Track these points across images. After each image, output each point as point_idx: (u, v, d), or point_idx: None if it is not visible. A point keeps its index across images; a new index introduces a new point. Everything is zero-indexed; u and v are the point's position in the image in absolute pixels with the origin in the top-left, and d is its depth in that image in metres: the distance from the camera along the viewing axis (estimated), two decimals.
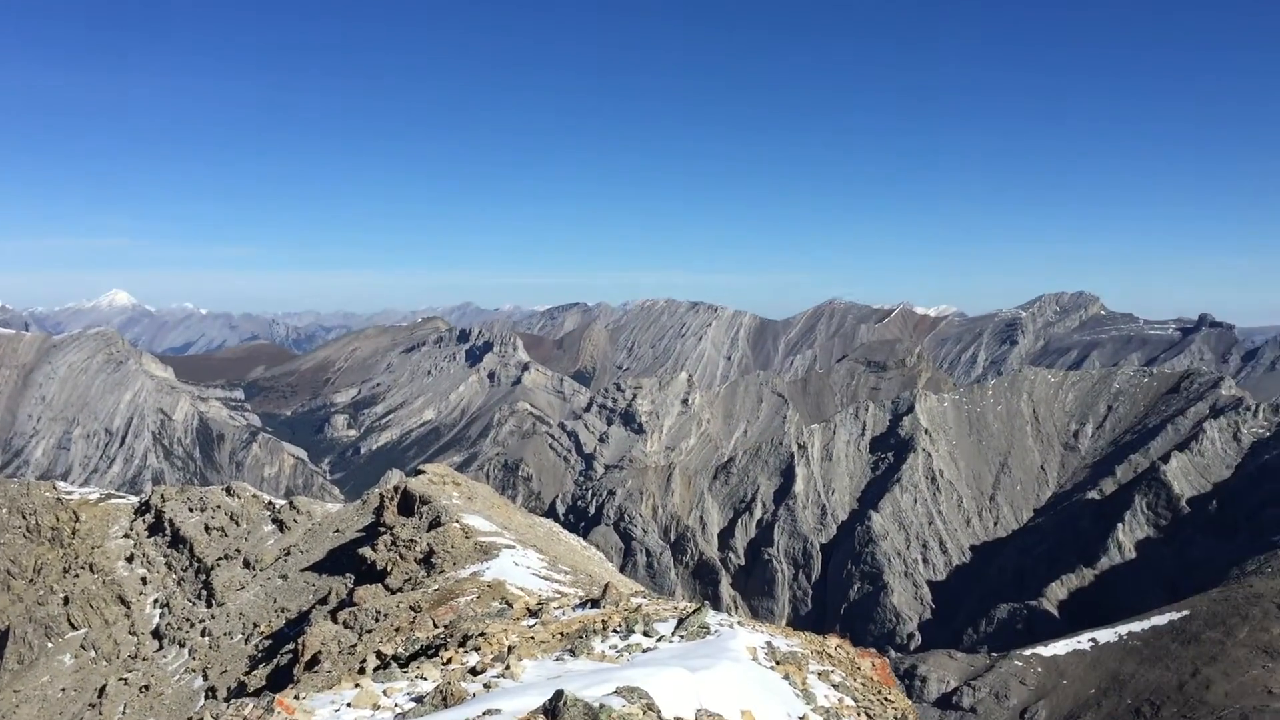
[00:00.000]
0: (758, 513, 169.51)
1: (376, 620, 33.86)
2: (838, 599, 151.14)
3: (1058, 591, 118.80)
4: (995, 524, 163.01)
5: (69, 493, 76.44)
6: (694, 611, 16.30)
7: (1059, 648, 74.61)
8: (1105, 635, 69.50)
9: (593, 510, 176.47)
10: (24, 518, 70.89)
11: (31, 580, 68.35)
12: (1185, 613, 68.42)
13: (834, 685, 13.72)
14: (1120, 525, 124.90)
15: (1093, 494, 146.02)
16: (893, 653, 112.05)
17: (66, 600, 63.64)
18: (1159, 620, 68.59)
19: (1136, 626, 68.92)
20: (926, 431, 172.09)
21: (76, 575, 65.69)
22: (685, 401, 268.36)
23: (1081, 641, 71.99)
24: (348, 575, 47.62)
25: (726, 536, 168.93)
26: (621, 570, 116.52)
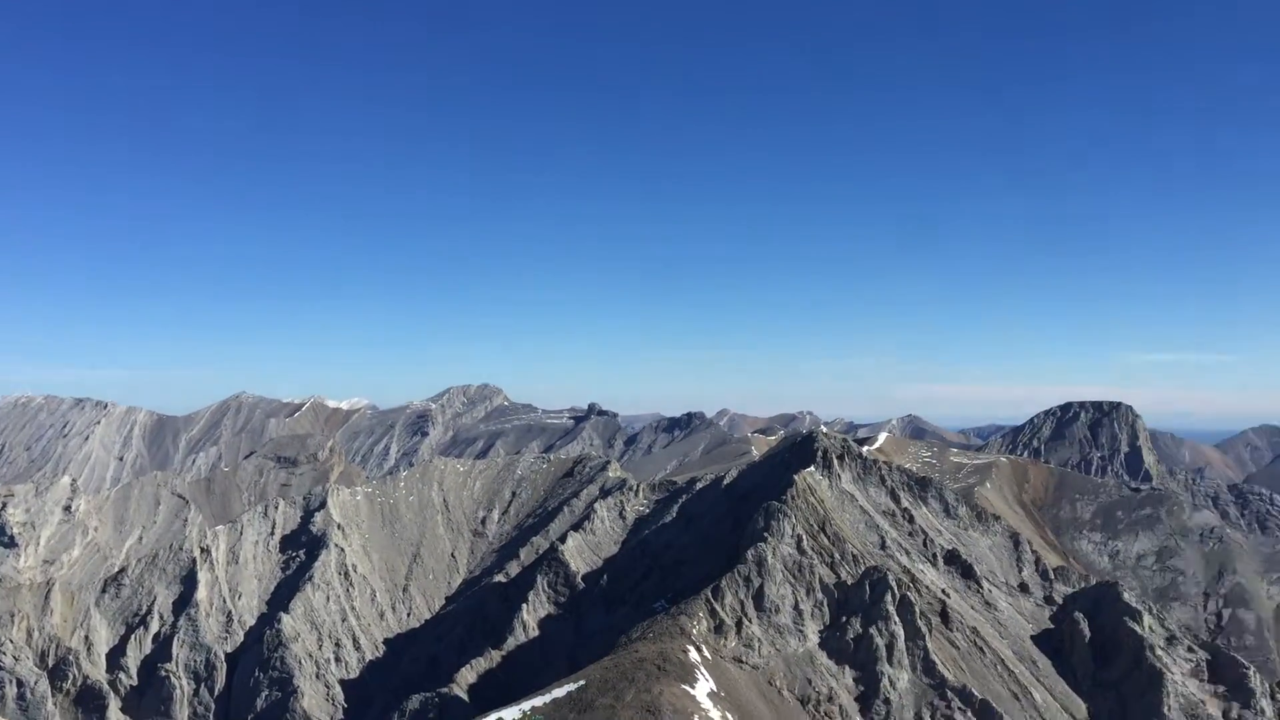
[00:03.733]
0: (154, 626, 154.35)
1: None
2: (244, 710, 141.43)
3: (468, 676, 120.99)
4: (409, 615, 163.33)
5: None
6: None
7: None
8: (511, 713, 71.36)
9: None
10: None
11: None
12: (581, 683, 72.45)
13: None
14: (525, 605, 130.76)
15: (499, 577, 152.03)
16: None
17: None
18: (559, 693, 71.94)
19: (539, 701, 71.60)
20: (339, 526, 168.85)
21: None
22: (68, 509, 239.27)
23: None
24: None
25: (117, 655, 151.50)
26: None
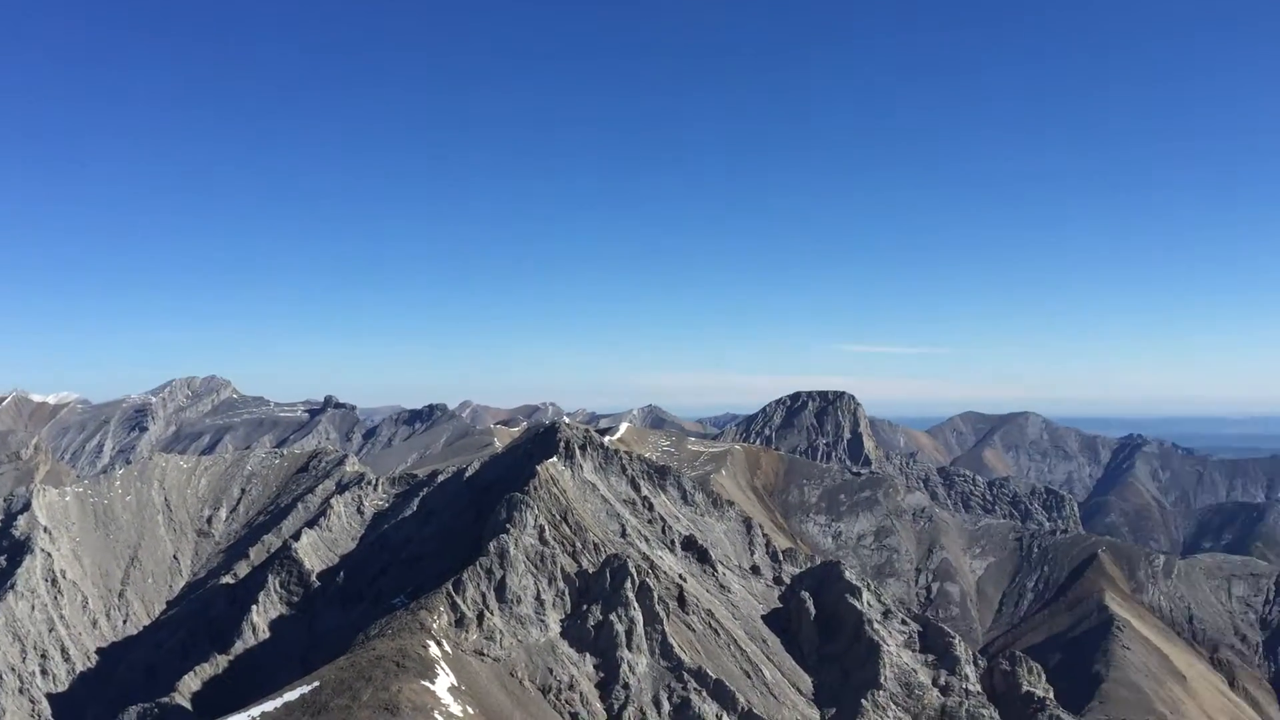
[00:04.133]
0: None
1: None
2: None
3: (191, 684, 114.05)
4: (125, 622, 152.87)
5: None
6: None
7: None
8: None
9: None
10: None
11: None
12: (316, 684, 69.57)
13: None
14: (254, 607, 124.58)
15: (227, 579, 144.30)
16: None
17: None
18: (291, 696, 68.77)
19: (269, 706, 68.14)
20: (46, 530, 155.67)
21: None
22: None
23: None
24: None
25: None
26: None
